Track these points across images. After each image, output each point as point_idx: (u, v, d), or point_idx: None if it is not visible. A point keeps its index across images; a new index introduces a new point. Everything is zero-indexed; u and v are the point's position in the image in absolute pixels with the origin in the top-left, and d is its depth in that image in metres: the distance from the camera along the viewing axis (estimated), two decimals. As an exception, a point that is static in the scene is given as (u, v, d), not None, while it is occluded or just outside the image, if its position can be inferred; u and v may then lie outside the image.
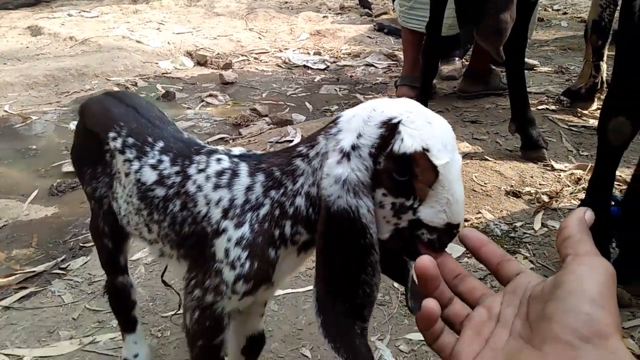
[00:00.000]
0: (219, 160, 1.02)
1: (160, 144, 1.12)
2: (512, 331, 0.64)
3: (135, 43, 5.81)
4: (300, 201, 0.90)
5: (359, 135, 0.79)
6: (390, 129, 0.77)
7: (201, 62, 5.65)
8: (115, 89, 4.63)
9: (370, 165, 0.78)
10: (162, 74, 5.22)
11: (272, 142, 3.24)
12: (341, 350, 0.78)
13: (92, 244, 2.26)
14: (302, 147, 0.90)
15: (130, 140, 1.15)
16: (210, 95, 4.47)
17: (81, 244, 2.28)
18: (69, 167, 2.96)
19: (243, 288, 0.95)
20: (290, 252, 0.96)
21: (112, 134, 1.17)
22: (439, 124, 0.78)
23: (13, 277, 2.03)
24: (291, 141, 3.17)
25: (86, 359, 1.62)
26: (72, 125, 3.67)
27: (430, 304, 0.69)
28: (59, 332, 1.74)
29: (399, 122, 0.77)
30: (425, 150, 0.74)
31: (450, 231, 0.78)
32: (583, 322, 0.55)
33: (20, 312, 1.84)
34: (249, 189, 0.95)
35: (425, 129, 0.76)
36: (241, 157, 1.02)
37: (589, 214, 0.67)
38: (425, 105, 2.93)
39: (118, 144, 1.16)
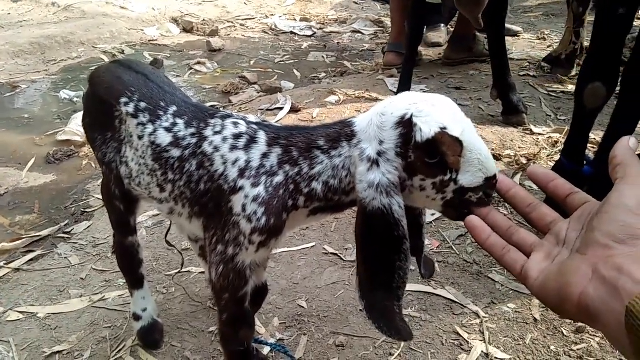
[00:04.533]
0: (235, 124, 1.09)
1: (173, 108, 1.18)
2: (572, 249, 0.73)
3: (120, 9, 5.75)
4: (316, 186, 1.01)
5: (381, 142, 0.90)
6: (406, 125, 0.87)
7: (187, 28, 5.63)
8: (103, 56, 4.63)
9: (400, 163, 0.89)
10: (149, 41, 5.21)
11: (262, 109, 3.31)
12: (384, 329, 0.91)
13: (93, 209, 2.36)
14: (322, 142, 1.00)
15: (143, 104, 1.20)
16: (199, 63, 4.50)
17: (82, 210, 2.38)
18: (63, 136, 3.02)
19: (258, 239, 1.05)
20: (301, 213, 1.07)
21: (123, 99, 1.23)
22: (442, 102, 0.88)
23: (20, 242, 2.13)
24: (281, 108, 3.25)
25: (97, 315, 1.74)
26: (63, 94, 3.70)
27: (471, 218, 0.85)
28: (69, 291, 1.85)
29: (411, 116, 0.86)
30: (443, 128, 0.84)
31: (490, 182, 0.88)
32: (618, 227, 0.64)
33: (30, 274, 1.95)
34: (265, 156, 1.03)
35: (433, 111, 0.86)
36: (259, 125, 1.09)
37: (632, 141, 0.74)
38: (412, 70, 3.05)
39: (130, 108, 1.21)
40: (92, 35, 4.95)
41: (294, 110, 3.24)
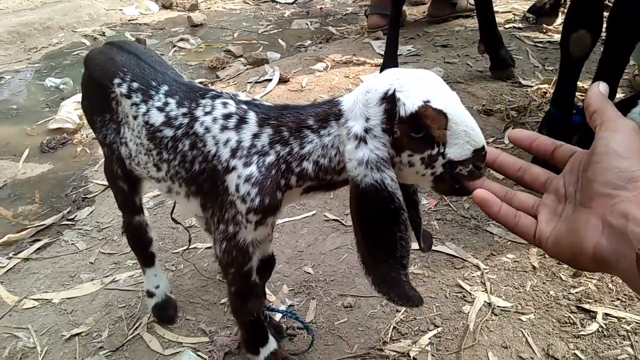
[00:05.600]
0: (224, 104, 1.10)
1: (165, 87, 1.20)
2: (575, 203, 0.73)
3: (96, -10, 5.62)
4: (307, 165, 1.02)
5: (367, 119, 0.90)
6: (390, 101, 0.87)
7: (166, 4, 5.54)
8: (84, 40, 4.56)
9: (387, 139, 0.89)
10: (129, 20, 5.12)
11: (251, 82, 3.30)
12: (395, 299, 0.93)
13: (94, 194, 2.39)
14: (311, 122, 1.01)
15: (135, 84, 1.22)
16: (182, 40, 4.45)
17: (83, 196, 2.40)
18: (54, 124, 3.01)
19: (254, 218, 1.08)
20: (295, 192, 1.09)
21: (117, 80, 1.24)
22: (425, 75, 0.88)
23: (25, 232, 2.15)
24: (270, 80, 3.24)
25: (110, 296, 1.78)
26: (48, 81, 3.66)
27: (480, 193, 0.82)
28: (80, 275, 1.89)
29: (394, 92, 0.86)
30: (426, 102, 0.84)
31: (479, 154, 0.86)
32: (614, 175, 0.66)
33: (39, 262, 1.98)
34: (256, 136, 1.04)
35: (416, 85, 0.86)
36: (248, 104, 1.09)
37: (602, 86, 0.76)
38: (398, 31, 3.02)
39: (124, 89, 1.23)
40: (70, 19, 4.86)
41: (282, 80, 3.23)
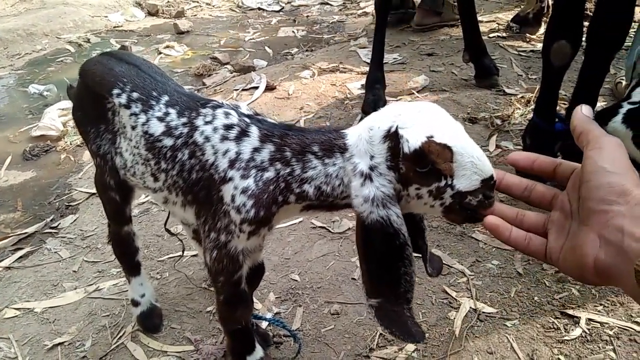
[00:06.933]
0: (226, 114, 1.10)
1: (165, 97, 1.20)
2: (579, 221, 0.74)
3: (80, -4, 5.59)
4: (308, 188, 1.02)
5: (372, 157, 0.91)
6: (393, 138, 0.88)
7: (152, 11, 5.52)
8: (68, 47, 4.52)
9: (393, 175, 0.90)
10: (114, 27, 5.09)
11: (237, 89, 3.30)
12: (397, 334, 0.94)
13: (77, 202, 2.36)
14: (317, 148, 1.00)
15: (135, 95, 1.22)
16: (168, 47, 4.43)
17: (67, 204, 2.37)
18: (37, 132, 2.98)
19: (248, 229, 1.08)
20: (294, 207, 1.08)
21: (116, 91, 1.23)
22: (427, 109, 0.89)
23: (7, 240, 2.12)
24: (257, 87, 3.25)
25: (93, 305, 1.76)
26: (32, 88, 3.62)
27: (490, 219, 0.83)
28: (63, 284, 1.87)
29: (396, 129, 0.87)
30: (430, 137, 0.84)
31: (488, 184, 0.86)
32: (606, 190, 0.68)
33: (21, 271, 1.95)
34: (257, 150, 1.04)
35: (418, 120, 0.87)
36: (251, 118, 1.09)
37: (585, 108, 0.78)
38: (384, 39, 3.01)
39: (123, 99, 1.22)
40: (54, 26, 4.82)
41: (269, 88, 3.24)
